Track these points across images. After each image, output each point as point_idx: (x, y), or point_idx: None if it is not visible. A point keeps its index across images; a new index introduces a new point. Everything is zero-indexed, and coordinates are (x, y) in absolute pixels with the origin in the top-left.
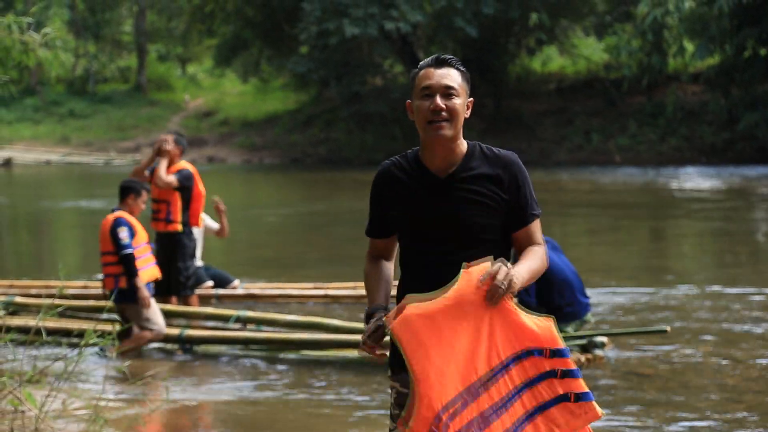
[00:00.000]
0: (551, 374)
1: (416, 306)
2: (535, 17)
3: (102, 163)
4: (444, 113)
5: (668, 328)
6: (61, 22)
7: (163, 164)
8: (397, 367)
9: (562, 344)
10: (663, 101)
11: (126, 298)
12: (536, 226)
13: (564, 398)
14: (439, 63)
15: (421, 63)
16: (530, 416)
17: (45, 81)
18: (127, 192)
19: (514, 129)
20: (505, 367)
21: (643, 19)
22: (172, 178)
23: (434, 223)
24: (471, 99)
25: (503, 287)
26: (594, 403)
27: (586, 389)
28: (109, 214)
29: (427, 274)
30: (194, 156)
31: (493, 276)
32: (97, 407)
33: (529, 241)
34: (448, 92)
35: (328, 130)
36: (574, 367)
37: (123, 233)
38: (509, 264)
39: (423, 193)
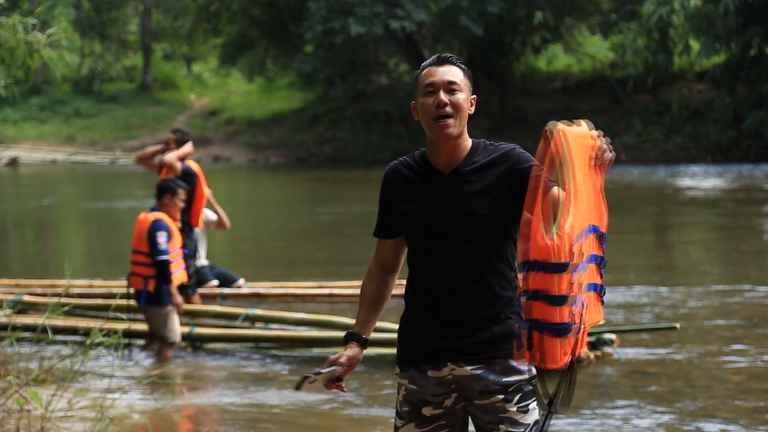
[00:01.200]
0: (601, 260)
1: (566, 125)
2: (540, 16)
3: (108, 162)
4: (448, 108)
5: (678, 325)
6: (66, 21)
7: (179, 151)
8: (406, 364)
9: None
10: (668, 100)
11: (151, 302)
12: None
13: (597, 288)
14: (441, 61)
15: (423, 63)
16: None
17: (51, 80)
18: (163, 191)
19: (520, 127)
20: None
21: (649, 17)
22: (178, 164)
23: (440, 217)
24: (474, 96)
25: (611, 148)
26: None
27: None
28: (146, 213)
29: (434, 270)
30: (200, 155)
31: (602, 143)
32: (103, 407)
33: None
34: (450, 88)
35: (333, 129)
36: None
37: (161, 238)
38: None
39: (428, 190)
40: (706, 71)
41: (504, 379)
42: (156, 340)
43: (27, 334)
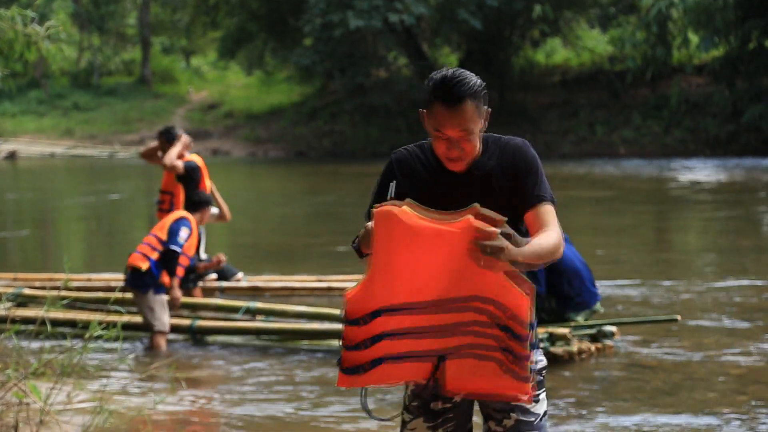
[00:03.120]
0: (500, 346)
1: (405, 212)
2: (539, 9)
3: (106, 155)
4: (461, 157)
5: (678, 317)
6: (65, 14)
7: (176, 148)
8: None
9: (525, 331)
10: (667, 93)
11: (136, 283)
12: (547, 211)
13: (503, 351)
14: (451, 101)
15: (432, 83)
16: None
17: (49, 74)
18: (200, 206)
19: (519, 121)
20: (460, 301)
21: (648, 11)
22: (179, 163)
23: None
24: (488, 110)
25: (487, 248)
26: (528, 385)
27: (527, 372)
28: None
29: None
30: (198, 149)
31: (486, 234)
32: (102, 399)
33: (540, 225)
34: (462, 135)
35: (332, 122)
36: (526, 353)
37: (183, 233)
38: (514, 234)
39: (439, 188)
40: (705, 65)
41: None
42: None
43: (26, 327)
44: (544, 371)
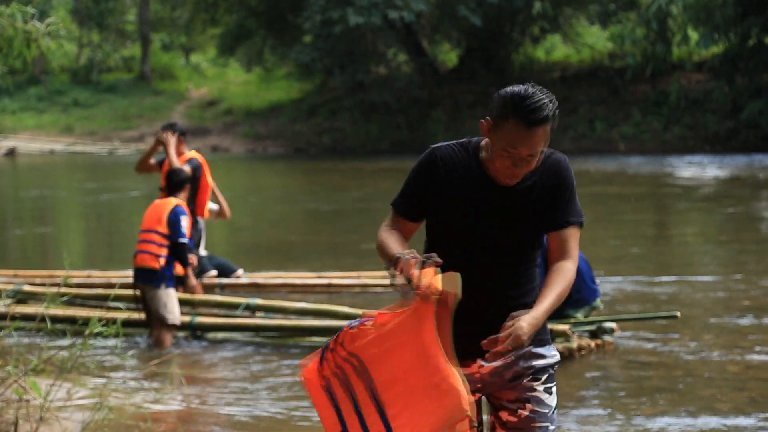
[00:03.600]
0: None
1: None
2: (538, 6)
3: (106, 152)
4: (520, 173)
5: (678, 313)
6: (64, 11)
7: (172, 152)
8: None
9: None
10: (667, 90)
11: (157, 281)
12: (571, 236)
13: None
14: (534, 123)
15: (513, 98)
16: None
17: (49, 70)
18: (183, 184)
19: None
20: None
21: (648, 7)
22: (186, 167)
23: (484, 229)
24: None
25: (510, 347)
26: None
27: None
28: (163, 198)
29: (464, 272)
30: (198, 145)
31: (503, 339)
32: (102, 396)
33: (561, 252)
34: (530, 157)
35: (332, 119)
36: None
37: (185, 222)
38: (523, 317)
39: (481, 197)
40: (704, 61)
41: (533, 363)
42: (156, 326)
43: (26, 324)
44: (555, 366)
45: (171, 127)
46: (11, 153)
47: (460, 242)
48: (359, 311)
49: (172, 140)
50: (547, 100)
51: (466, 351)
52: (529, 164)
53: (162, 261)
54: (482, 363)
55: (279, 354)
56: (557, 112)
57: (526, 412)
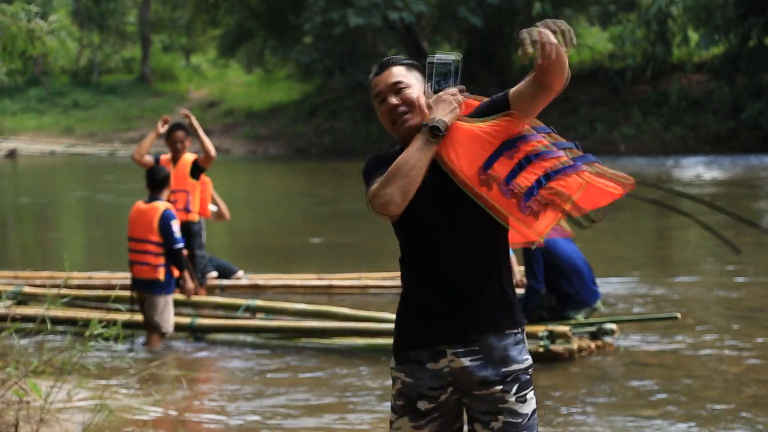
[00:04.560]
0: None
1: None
2: (538, 7)
3: (106, 153)
4: (401, 107)
5: (679, 315)
6: (65, 12)
7: (201, 132)
8: (402, 354)
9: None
10: (667, 90)
11: (159, 290)
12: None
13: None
14: (381, 68)
15: (369, 76)
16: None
17: (49, 72)
18: (165, 182)
19: None
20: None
21: (648, 8)
22: (214, 152)
23: (432, 218)
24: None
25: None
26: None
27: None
28: (146, 202)
29: (428, 260)
30: (197, 147)
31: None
32: (102, 397)
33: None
34: (396, 88)
35: (332, 120)
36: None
37: (176, 226)
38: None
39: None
40: (705, 62)
41: (502, 370)
42: (149, 329)
43: (27, 326)
44: (529, 370)
45: (178, 127)
46: (12, 154)
47: (419, 235)
48: (359, 312)
49: (194, 121)
50: (394, 57)
51: (435, 336)
52: (400, 99)
53: (161, 271)
54: (452, 358)
55: (279, 355)
56: (415, 64)
57: (498, 424)
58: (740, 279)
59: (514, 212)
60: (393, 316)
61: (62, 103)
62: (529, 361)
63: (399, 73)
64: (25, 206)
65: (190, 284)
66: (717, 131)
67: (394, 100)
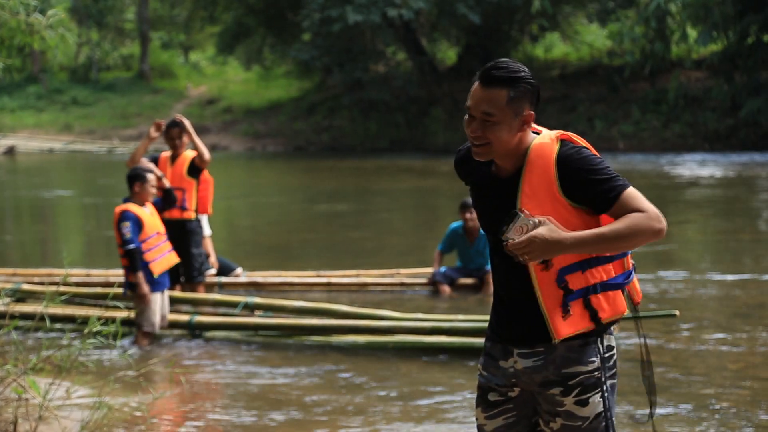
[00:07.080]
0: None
1: None
2: (537, 4)
3: (105, 151)
4: (479, 141)
5: (677, 312)
6: (63, 9)
7: (197, 139)
8: (484, 347)
9: None
10: (666, 88)
11: (129, 289)
12: (626, 202)
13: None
14: (488, 81)
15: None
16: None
17: (48, 69)
18: (132, 181)
19: None
20: None
21: (646, 5)
22: (208, 155)
23: (495, 222)
24: (530, 113)
25: (518, 255)
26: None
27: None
28: (117, 206)
29: (500, 263)
30: None
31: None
32: (101, 395)
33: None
34: (484, 118)
35: (331, 117)
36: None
37: (125, 228)
38: (551, 225)
39: (489, 193)
40: (703, 59)
41: (563, 371)
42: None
43: (25, 323)
44: (596, 373)
45: (175, 125)
46: (10, 151)
47: (494, 247)
48: (358, 310)
49: (188, 125)
50: (511, 68)
51: (502, 339)
52: (483, 132)
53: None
54: (516, 359)
55: (278, 353)
56: (521, 87)
57: (557, 426)
58: (739, 276)
59: (550, 301)
60: (391, 314)
61: (61, 100)
62: (596, 363)
63: (497, 101)
64: (24, 203)
65: (143, 288)
66: (716, 128)
67: (478, 131)
